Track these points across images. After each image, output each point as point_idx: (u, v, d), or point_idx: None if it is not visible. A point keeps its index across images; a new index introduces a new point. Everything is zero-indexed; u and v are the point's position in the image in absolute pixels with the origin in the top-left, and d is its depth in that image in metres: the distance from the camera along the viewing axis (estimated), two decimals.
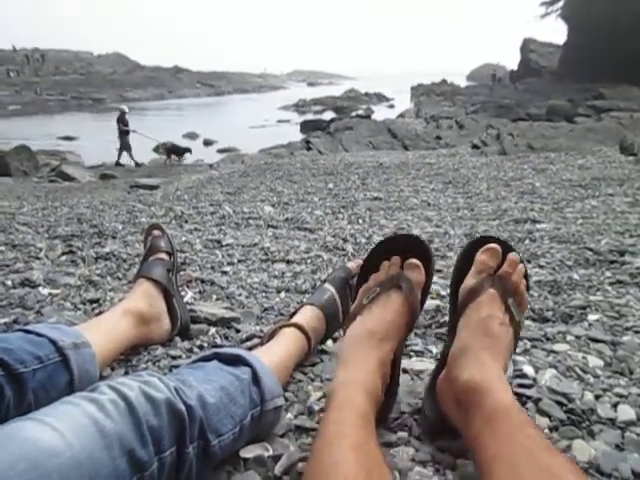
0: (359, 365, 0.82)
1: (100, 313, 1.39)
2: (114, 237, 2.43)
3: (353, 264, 1.25)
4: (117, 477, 0.57)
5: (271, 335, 1.06)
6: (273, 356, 0.95)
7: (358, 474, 0.60)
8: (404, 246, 0.94)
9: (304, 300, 1.29)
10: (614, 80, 21.30)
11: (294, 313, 1.14)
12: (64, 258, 2.03)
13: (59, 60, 55.30)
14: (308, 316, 1.11)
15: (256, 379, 0.82)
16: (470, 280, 0.89)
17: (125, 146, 12.71)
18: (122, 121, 12.67)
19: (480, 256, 0.90)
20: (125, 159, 12.70)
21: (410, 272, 0.91)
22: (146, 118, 28.48)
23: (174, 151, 12.79)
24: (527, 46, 39.07)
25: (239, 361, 0.84)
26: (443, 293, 1.57)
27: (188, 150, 12.89)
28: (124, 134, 12.62)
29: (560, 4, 31.91)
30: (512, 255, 0.90)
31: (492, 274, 0.88)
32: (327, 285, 1.20)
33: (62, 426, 0.55)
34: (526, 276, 0.92)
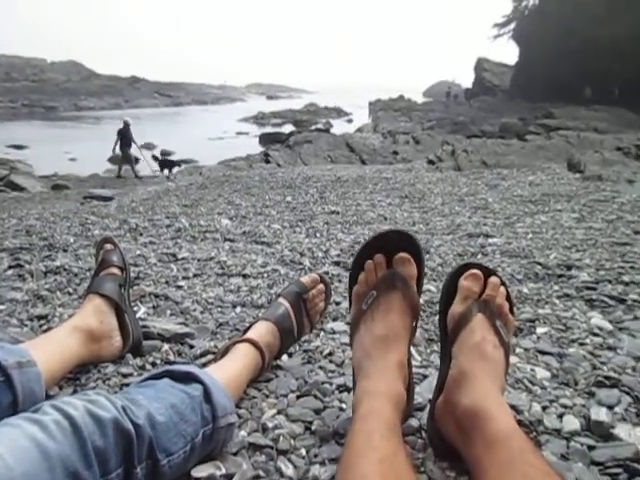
0: (380, 374, 0.83)
1: (48, 329, 1.35)
2: (65, 250, 2.36)
3: (307, 278, 1.25)
4: None
5: (225, 351, 1.05)
6: (226, 372, 0.94)
7: None
8: (388, 243, 0.94)
9: (259, 315, 1.29)
10: (563, 100, 22.23)
11: (248, 328, 1.13)
12: (10, 272, 1.96)
13: (9, 66, 53.57)
14: (262, 331, 1.10)
15: (208, 396, 0.81)
16: (458, 306, 0.90)
17: (127, 158, 12.25)
18: (125, 133, 12.19)
19: (463, 282, 0.92)
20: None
21: (401, 267, 0.92)
22: (102, 127, 27.89)
23: (169, 165, 12.42)
24: (481, 65, 40.37)
25: (190, 378, 0.83)
26: None
27: (179, 164, 12.62)
28: (126, 146, 12.15)
29: (512, 26, 33.14)
30: (493, 279, 0.93)
31: (477, 299, 0.90)
32: (281, 300, 1.20)
33: (1, 449, 0.53)
34: (509, 297, 0.94)
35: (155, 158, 12.91)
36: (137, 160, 12.52)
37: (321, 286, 1.27)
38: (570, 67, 25.31)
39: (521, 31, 31.76)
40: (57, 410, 0.62)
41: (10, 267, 2.02)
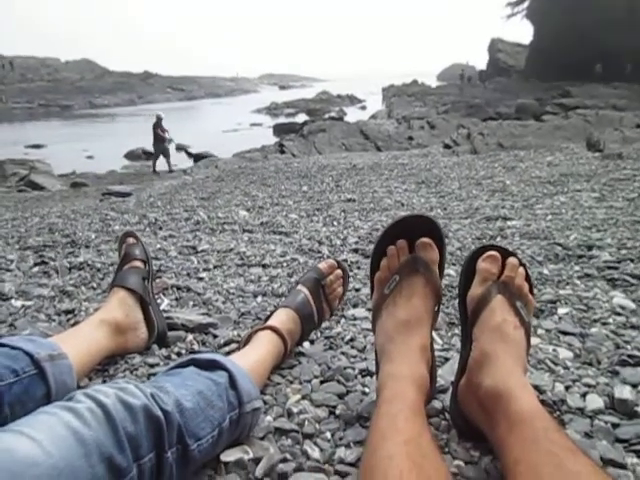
0: (403, 357, 0.84)
1: (75, 324, 1.38)
2: (87, 246, 2.40)
3: (324, 264, 1.27)
4: None
5: (247, 340, 1.07)
6: (249, 359, 0.96)
7: (412, 469, 0.61)
8: (409, 228, 0.94)
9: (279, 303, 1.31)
10: (580, 78, 21.81)
11: (269, 317, 1.15)
12: (36, 269, 2.00)
13: (25, 67, 54.18)
14: (283, 319, 1.12)
15: (233, 383, 0.83)
16: (477, 289, 0.91)
17: (163, 152, 12.31)
18: (159, 127, 12.25)
19: (482, 264, 0.92)
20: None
21: (423, 252, 0.92)
22: (117, 124, 28.15)
23: (201, 158, 12.61)
24: (495, 46, 39.75)
25: (215, 366, 0.85)
26: None
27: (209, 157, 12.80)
28: (160, 141, 12.23)
29: (525, 5, 32.52)
30: (511, 259, 0.93)
31: (496, 280, 0.91)
32: (300, 287, 1.22)
33: (40, 436, 0.56)
34: (528, 277, 0.94)
35: (189, 154, 12.98)
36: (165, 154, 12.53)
37: (339, 271, 1.28)
38: (586, 44, 24.80)
39: (535, 9, 31.13)
40: (90, 398, 0.64)
41: (35, 264, 2.06)
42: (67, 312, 1.51)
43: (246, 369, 0.89)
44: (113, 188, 8.10)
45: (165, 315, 1.35)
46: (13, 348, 0.84)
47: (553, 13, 27.29)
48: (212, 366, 0.85)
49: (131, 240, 1.41)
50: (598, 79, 21.24)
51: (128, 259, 1.33)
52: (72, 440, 0.57)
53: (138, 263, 1.32)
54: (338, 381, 1.06)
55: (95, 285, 1.79)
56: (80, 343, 1.02)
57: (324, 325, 1.38)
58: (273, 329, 1.08)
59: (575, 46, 25.56)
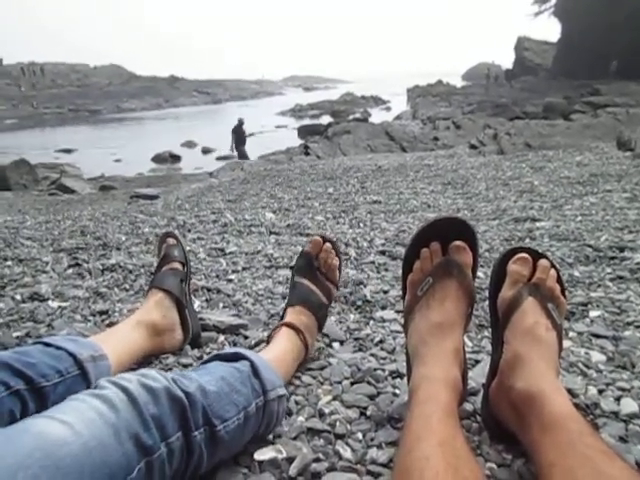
0: (437, 360, 0.85)
1: (110, 324, 1.42)
2: (118, 248, 2.45)
3: (310, 245, 1.25)
4: (127, 460, 0.60)
5: (267, 342, 1.11)
6: (270, 353, 1.00)
7: (447, 470, 0.62)
8: (443, 230, 0.94)
9: None
10: (609, 76, 21.35)
11: (282, 317, 1.18)
12: (70, 271, 2.05)
13: (56, 73, 55.47)
14: (294, 314, 1.14)
15: (255, 371, 0.86)
16: (508, 291, 0.91)
17: (242, 156, 12.68)
18: (238, 131, 12.68)
19: (512, 267, 0.92)
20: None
21: (457, 255, 0.93)
22: (144, 128, 28.59)
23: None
24: (521, 44, 39.20)
25: (238, 357, 0.89)
26: None
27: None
28: (241, 144, 12.66)
29: (553, 2, 32.02)
30: (543, 261, 0.92)
31: (527, 282, 0.90)
32: (297, 278, 1.22)
33: (70, 419, 0.59)
34: (559, 279, 0.94)
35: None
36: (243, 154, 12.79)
37: (327, 245, 1.25)
38: (616, 41, 24.27)
39: (563, 6, 30.60)
40: (114, 384, 0.67)
41: (70, 266, 2.12)
42: (101, 313, 1.55)
43: (268, 360, 0.92)
44: (141, 191, 8.22)
45: (197, 316, 1.38)
46: (58, 348, 0.87)
47: (582, 8, 26.78)
48: (235, 358, 0.88)
49: (171, 241, 1.43)
50: (613, 76, 20.74)
51: (167, 260, 1.35)
52: (100, 422, 0.60)
53: (177, 265, 1.35)
54: (368, 382, 1.07)
55: (127, 286, 1.84)
56: (118, 344, 1.05)
57: (353, 327, 1.39)
58: (287, 324, 1.11)
59: (605, 42, 25.04)
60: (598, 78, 21.78)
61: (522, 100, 19.97)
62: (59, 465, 0.53)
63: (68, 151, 19.16)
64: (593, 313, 1.43)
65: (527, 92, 23.76)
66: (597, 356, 1.17)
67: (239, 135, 12.73)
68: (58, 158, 16.39)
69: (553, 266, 0.93)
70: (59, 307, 1.60)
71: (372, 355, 1.21)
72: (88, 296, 1.71)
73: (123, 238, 2.69)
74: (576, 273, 1.77)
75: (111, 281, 1.89)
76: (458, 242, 0.93)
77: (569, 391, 0.99)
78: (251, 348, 1.28)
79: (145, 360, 1.18)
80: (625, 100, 14.94)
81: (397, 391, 1.04)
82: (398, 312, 1.48)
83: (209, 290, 1.73)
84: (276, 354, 1.01)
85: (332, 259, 1.26)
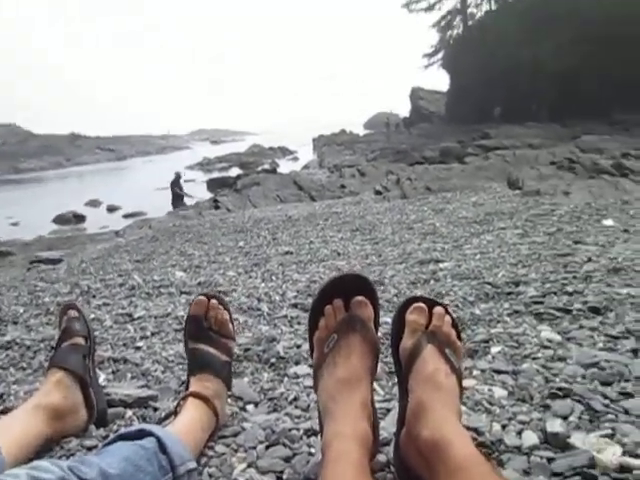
0: (346, 415, 0.85)
1: (5, 410, 1.31)
2: (15, 322, 2.29)
3: (194, 307, 1.21)
4: None
5: (175, 414, 1.06)
6: (177, 426, 0.96)
7: None
8: (344, 287, 0.98)
9: None
10: (495, 120, 23.23)
11: (186, 387, 1.14)
12: None
13: None
14: (198, 382, 1.11)
15: (162, 447, 0.83)
16: (408, 340, 0.95)
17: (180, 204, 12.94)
18: (177, 185, 13.18)
19: (410, 317, 0.96)
20: None
21: (359, 310, 0.96)
22: (44, 188, 27.25)
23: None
24: (416, 94, 41.89)
25: (143, 434, 0.85)
26: None
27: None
28: (178, 198, 13.04)
29: (440, 55, 34.65)
30: (437, 309, 0.98)
31: (425, 330, 0.95)
32: (192, 344, 1.18)
33: None
34: (454, 324, 0.99)
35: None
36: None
37: (213, 302, 1.22)
38: (498, 88, 26.60)
39: (449, 59, 33.23)
40: None
41: None
42: None
43: (175, 434, 0.89)
44: (42, 255, 7.76)
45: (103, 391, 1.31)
46: None
47: (465, 62, 29.16)
48: (140, 435, 0.85)
49: (73, 313, 1.33)
50: (497, 121, 22.80)
51: (68, 335, 1.26)
52: None
53: (79, 339, 1.26)
54: (284, 444, 1.06)
55: (25, 365, 1.71)
56: (13, 433, 0.97)
57: (267, 386, 1.37)
58: (194, 394, 1.07)
59: (487, 92, 27.36)
60: (486, 122, 23.65)
61: (420, 145, 21.15)
62: None
63: None
64: (494, 349, 1.51)
65: (424, 138, 25.24)
66: (499, 392, 1.24)
67: (178, 189, 13.34)
68: None
69: (447, 312, 0.99)
70: None
71: (287, 414, 1.20)
72: None
73: (21, 310, 2.52)
74: (477, 311, 1.87)
75: (6, 360, 1.76)
76: (359, 297, 0.96)
77: (475, 430, 1.04)
78: (162, 420, 1.23)
79: (45, 447, 1.09)
80: (512, 142, 16.23)
81: (312, 450, 1.04)
82: (311, 366, 1.48)
83: (116, 361, 1.65)
84: (184, 426, 0.98)
85: (221, 314, 1.22)
